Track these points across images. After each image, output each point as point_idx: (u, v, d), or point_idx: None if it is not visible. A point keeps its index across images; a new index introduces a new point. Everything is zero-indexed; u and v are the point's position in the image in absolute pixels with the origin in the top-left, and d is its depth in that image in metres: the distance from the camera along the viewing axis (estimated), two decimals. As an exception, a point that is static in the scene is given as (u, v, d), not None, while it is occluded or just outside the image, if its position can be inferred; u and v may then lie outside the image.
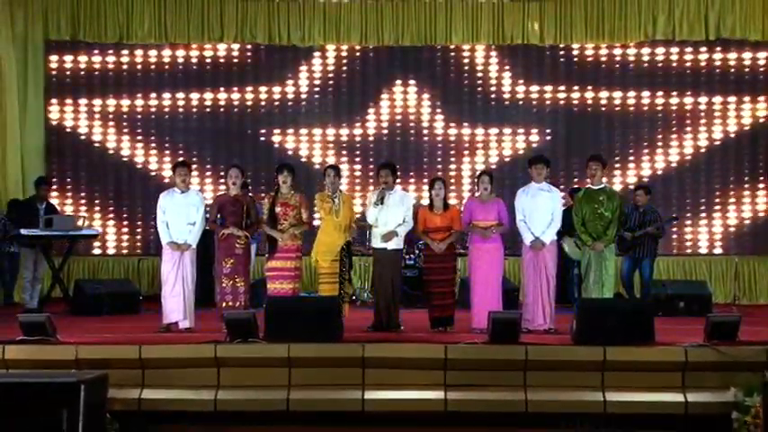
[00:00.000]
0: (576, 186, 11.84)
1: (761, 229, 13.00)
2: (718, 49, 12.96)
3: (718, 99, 13.01)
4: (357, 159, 13.26)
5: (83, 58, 13.15)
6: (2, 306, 11.50)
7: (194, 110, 13.24)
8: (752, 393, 7.03)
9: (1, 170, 12.59)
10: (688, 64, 13.05)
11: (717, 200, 13.06)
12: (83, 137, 13.21)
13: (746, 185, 13.06)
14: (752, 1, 12.67)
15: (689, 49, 12.98)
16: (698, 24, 12.80)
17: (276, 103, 13.24)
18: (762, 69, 13.01)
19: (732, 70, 13.03)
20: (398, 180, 9.71)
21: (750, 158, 13.05)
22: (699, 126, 13.05)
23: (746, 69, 13.01)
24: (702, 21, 12.78)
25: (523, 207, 9.07)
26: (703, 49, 12.97)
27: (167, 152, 13.17)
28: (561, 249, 10.09)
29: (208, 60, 13.23)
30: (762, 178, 13.02)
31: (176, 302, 8.95)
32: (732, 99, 13.00)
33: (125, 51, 13.12)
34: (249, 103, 13.24)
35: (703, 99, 13.02)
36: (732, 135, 13.02)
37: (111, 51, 13.12)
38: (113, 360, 7.53)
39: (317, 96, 13.28)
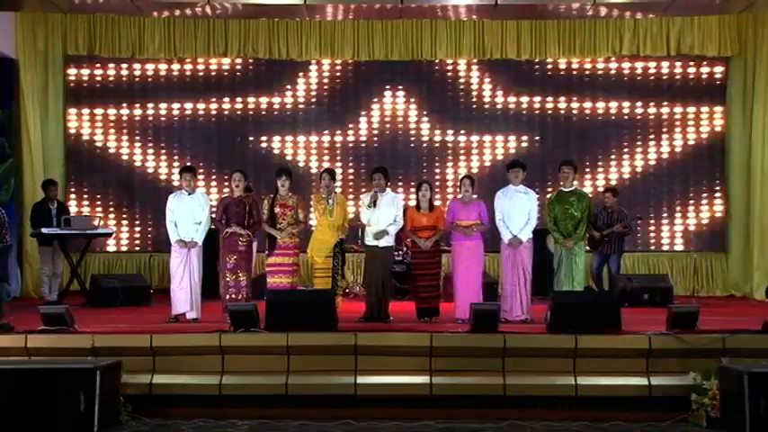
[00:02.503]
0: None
1: (717, 228, 13.06)
2: (678, 63, 13.01)
3: (678, 110, 13.06)
4: (351, 164, 13.22)
5: (98, 72, 13.11)
6: (18, 299, 11.53)
7: (200, 119, 13.18)
8: (709, 377, 7.08)
9: (24, 175, 12.58)
10: (651, 78, 13.09)
11: (678, 201, 13.10)
12: (98, 143, 13.15)
13: (704, 188, 13.08)
14: (708, 21, 12.69)
15: (652, 64, 13.01)
16: (660, 42, 12.81)
17: (276, 113, 13.19)
18: (718, 82, 13.05)
19: (691, 83, 13.06)
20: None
21: (707, 163, 13.10)
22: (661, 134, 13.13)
23: (704, 83, 13.05)
24: (664, 38, 12.79)
25: (502, 207, 9.09)
26: (665, 63, 13.01)
27: (176, 157, 13.12)
28: (545, 246, 10.14)
29: (213, 74, 13.18)
30: (718, 182, 13.05)
31: (184, 295, 8.95)
32: (691, 110, 13.03)
33: (137, 65, 13.09)
34: (251, 112, 13.19)
35: (665, 110, 13.07)
36: (691, 143, 13.06)
37: (124, 65, 13.08)
38: (126, 348, 7.52)
39: (313, 106, 13.24)
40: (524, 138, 13.09)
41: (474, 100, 13.17)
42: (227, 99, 13.16)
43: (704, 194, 13.07)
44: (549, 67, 13.11)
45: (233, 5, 11.73)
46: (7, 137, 12.42)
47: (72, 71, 13.07)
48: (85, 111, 13.12)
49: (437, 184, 12.90)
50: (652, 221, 13.04)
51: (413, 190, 10.43)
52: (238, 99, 13.16)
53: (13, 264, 12.04)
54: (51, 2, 11.79)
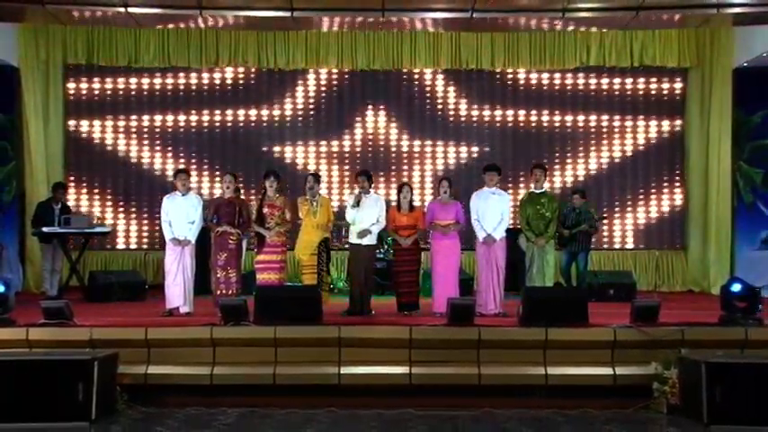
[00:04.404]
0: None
1: (677, 227, 13.13)
2: (642, 79, 13.11)
3: (641, 118, 13.16)
4: (336, 167, 13.20)
5: (97, 78, 13.02)
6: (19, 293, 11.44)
7: (194, 124, 13.17)
8: (669, 367, 7.13)
9: (25, 177, 12.47)
10: (616, 87, 13.16)
11: (641, 201, 13.15)
12: (97, 143, 13.07)
13: (665, 191, 13.15)
14: (669, 34, 12.76)
15: (617, 77, 13.10)
16: (624, 53, 12.86)
17: (264, 121, 13.19)
18: (678, 91, 13.14)
19: (653, 92, 13.15)
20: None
21: (668, 166, 13.17)
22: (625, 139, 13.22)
23: (665, 92, 13.15)
24: (628, 50, 12.84)
25: (477, 208, 9.09)
26: (629, 74, 13.08)
27: (170, 159, 13.07)
28: (517, 244, 10.16)
29: (205, 85, 13.14)
30: (678, 183, 13.13)
31: (178, 290, 8.90)
32: (653, 119, 13.15)
33: (133, 74, 13.01)
34: (241, 117, 13.17)
35: (629, 116, 13.17)
36: (653, 149, 13.16)
37: (121, 74, 13.00)
38: (123, 340, 7.47)
39: (300, 114, 13.20)
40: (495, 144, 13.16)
41: (452, 108, 13.21)
42: (218, 111, 13.16)
43: (665, 194, 13.14)
44: (522, 77, 13.17)
45: (224, 18, 11.70)
46: (9, 141, 12.35)
47: (72, 78, 12.98)
48: (85, 113, 13.03)
49: (416, 185, 12.92)
50: (617, 221, 13.11)
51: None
52: (229, 107, 13.16)
53: (15, 260, 11.99)
54: (52, 14, 11.68)
